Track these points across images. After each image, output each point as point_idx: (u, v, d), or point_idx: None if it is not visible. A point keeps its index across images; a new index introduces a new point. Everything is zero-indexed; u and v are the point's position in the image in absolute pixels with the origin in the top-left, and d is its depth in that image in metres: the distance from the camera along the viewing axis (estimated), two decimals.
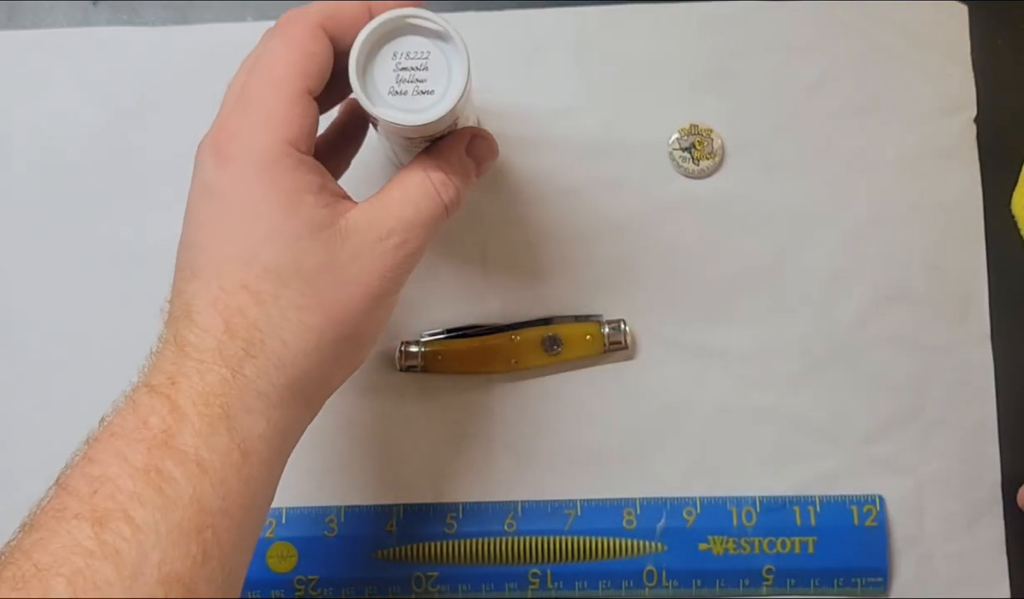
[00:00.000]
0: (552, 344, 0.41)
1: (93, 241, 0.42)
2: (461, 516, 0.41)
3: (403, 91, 0.30)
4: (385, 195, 0.31)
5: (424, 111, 0.30)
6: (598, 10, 0.43)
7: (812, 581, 0.40)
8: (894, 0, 0.43)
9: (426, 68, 0.30)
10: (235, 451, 0.27)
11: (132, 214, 0.42)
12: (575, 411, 0.42)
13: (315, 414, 0.31)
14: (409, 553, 0.40)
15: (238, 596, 0.28)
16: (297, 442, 0.31)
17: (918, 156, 0.42)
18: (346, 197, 0.31)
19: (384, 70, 0.30)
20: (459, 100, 0.30)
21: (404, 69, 0.30)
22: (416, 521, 0.41)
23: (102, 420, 0.28)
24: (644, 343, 0.42)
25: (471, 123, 0.36)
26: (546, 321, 0.41)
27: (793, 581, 0.40)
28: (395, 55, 0.30)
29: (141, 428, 0.26)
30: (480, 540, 0.41)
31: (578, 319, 0.42)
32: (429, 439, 0.42)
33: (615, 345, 0.41)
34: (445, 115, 0.30)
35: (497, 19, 0.43)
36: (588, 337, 0.41)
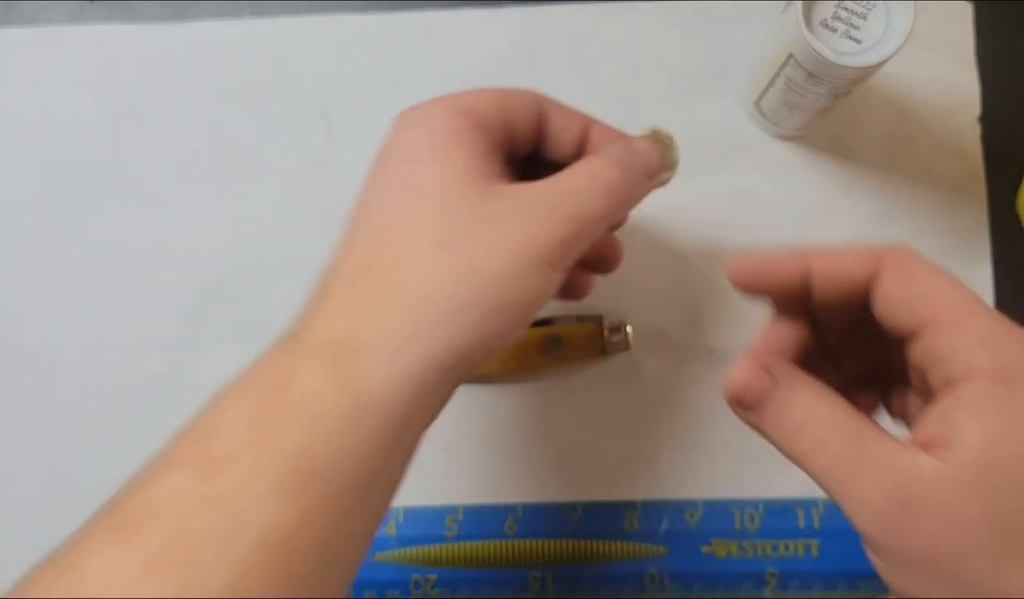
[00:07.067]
0: (553, 345, 0.41)
1: (87, 238, 0.42)
2: (461, 518, 0.41)
3: (833, 28, 0.31)
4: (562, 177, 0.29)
5: (842, 54, 0.31)
6: (598, 8, 0.43)
7: (815, 584, 0.40)
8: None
9: (864, 18, 0.31)
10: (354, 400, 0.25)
11: (128, 211, 0.42)
12: (576, 412, 0.41)
13: (445, 392, 0.28)
14: (409, 556, 0.40)
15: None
16: (429, 420, 0.28)
17: (922, 155, 0.42)
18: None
19: (827, 2, 0.31)
20: (878, 63, 0.31)
21: (844, 9, 0.31)
22: (416, 524, 0.40)
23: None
24: (645, 344, 0.41)
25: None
26: (547, 322, 0.41)
27: (796, 584, 0.40)
28: None
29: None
30: (480, 543, 0.40)
31: (579, 320, 0.41)
32: (429, 441, 0.41)
33: (616, 346, 0.41)
34: (858, 67, 0.31)
35: (497, 17, 0.43)
36: (589, 338, 0.41)
